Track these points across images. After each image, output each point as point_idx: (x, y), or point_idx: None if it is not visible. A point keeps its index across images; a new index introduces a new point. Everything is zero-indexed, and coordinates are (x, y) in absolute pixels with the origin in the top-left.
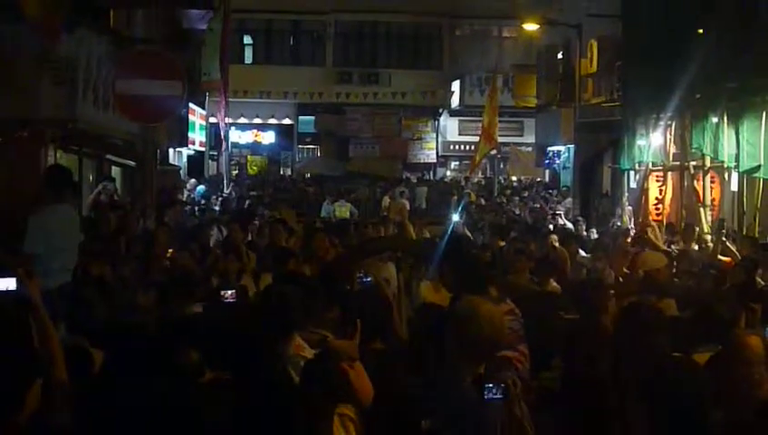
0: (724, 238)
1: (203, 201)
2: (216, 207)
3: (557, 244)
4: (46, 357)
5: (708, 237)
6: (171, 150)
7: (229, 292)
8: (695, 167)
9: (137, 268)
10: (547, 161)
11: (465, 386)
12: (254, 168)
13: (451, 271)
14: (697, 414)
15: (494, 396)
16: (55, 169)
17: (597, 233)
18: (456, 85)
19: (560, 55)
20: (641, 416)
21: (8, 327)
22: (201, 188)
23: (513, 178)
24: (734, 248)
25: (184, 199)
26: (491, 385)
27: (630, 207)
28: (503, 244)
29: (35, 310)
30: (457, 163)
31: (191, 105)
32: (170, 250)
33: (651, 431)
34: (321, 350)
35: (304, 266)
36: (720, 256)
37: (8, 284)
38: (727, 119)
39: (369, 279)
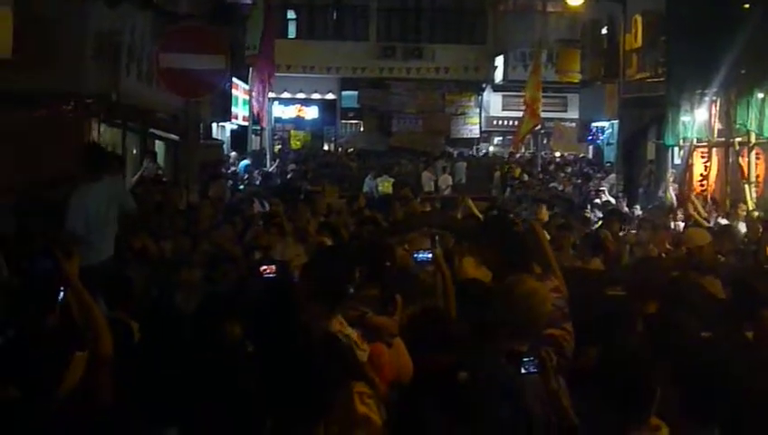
0: None
1: (245, 175)
2: (258, 182)
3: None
4: (91, 334)
5: (755, 214)
6: (214, 125)
7: (268, 266)
8: (740, 143)
9: (181, 243)
10: (590, 137)
11: (502, 360)
12: (298, 142)
13: (493, 250)
14: (729, 395)
15: (530, 370)
16: (91, 147)
17: (641, 209)
18: (499, 60)
19: (604, 30)
20: (674, 397)
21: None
22: (245, 162)
23: (557, 154)
24: None
25: (227, 173)
26: (527, 359)
27: (676, 184)
28: (546, 218)
29: (74, 289)
30: (500, 139)
31: (234, 80)
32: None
33: (684, 413)
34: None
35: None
36: None
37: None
38: None
39: (428, 255)
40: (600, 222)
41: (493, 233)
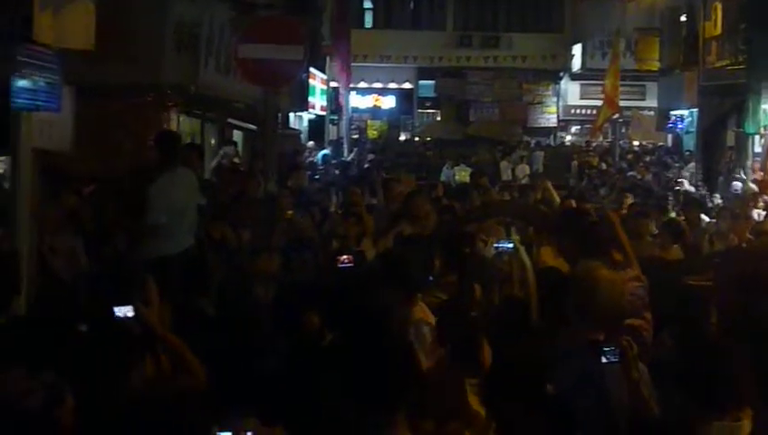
0: None
1: (322, 166)
2: (336, 172)
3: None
4: (182, 368)
5: None
6: (292, 115)
7: (345, 256)
8: None
9: (258, 232)
10: (669, 125)
11: (583, 350)
12: (374, 132)
13: (571, 243)
14: None
15: (611, 359)
16: (163, 134)
17: (720, 198)
18: (577, 48)
19: (683, 18)
20: (751, 383)
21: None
22: (324, 151)
23: (635, 143)
24: None
25: (305, 163)
26: (607, 348)
27: (761, 172)
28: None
29: (159, 337)
30: (578, 127)
31: (312, 69)
32: (289, 212)
33: (763, 400)
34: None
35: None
36: None
37: (126, 311)
38: None
39: (509, 245)
40: (679, 211)
41: (568, 223)
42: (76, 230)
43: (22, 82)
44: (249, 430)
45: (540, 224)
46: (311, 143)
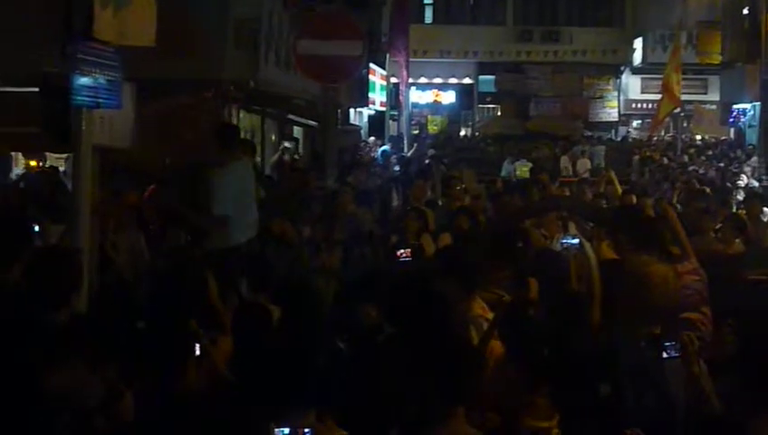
0: None
1: (382, 162)
2: (396, 168)
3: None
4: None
5: None
6: (352, 110)
7: (404, 250)
8: None
9: (319, 227)
10: (732, 119)
11: (641, 344)
12: (435, 127)
13: (626, 238)
14: None
15: (672, 354)
16: (223, 126)
17: None
18: (638, 42)
19: (745, 10)
20: None
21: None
22: (383, 148)
23: (698, 137)
24: None
25: (365, 159)
26: (668, 344)
27: None
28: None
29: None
30: (639, 122)
31: (371, 65)
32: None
33: None
34: None
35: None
36: None
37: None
38: None
39: (575, 241)
40: (740, 205)
41: (623, 218)
42: (138, 226)
43: (82, 80)
44: (307, 427)
45: (597, 219)
46: (371, 139)
